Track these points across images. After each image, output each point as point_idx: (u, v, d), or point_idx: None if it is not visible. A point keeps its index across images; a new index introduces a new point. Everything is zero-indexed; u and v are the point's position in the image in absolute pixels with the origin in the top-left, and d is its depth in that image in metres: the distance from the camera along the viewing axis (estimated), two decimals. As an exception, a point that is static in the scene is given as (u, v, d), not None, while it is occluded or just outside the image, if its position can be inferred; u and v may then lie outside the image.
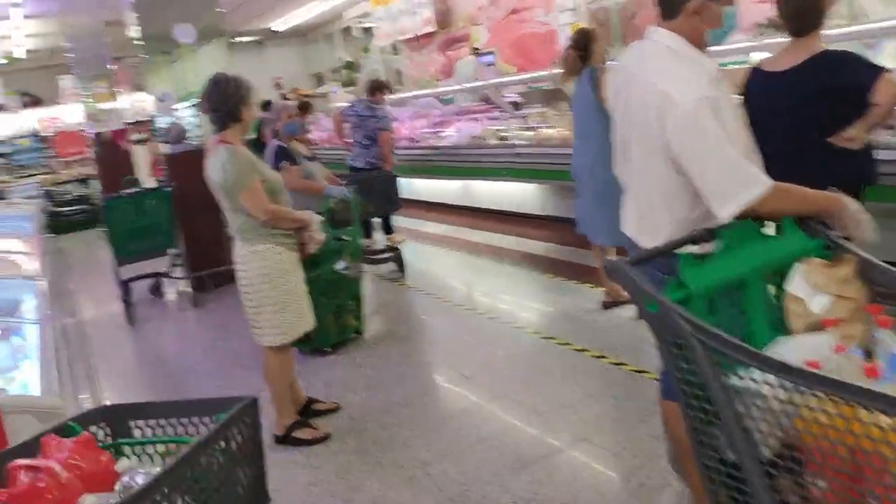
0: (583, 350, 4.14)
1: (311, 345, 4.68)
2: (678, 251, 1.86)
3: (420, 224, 8.39)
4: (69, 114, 15.86)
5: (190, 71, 15.31)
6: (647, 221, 2.21)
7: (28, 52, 13.02)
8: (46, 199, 14.33)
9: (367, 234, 7.65)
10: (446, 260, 6.84)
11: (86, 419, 2.00)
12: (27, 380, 2.93)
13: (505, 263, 6.22)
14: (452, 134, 8.19)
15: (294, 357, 3.82)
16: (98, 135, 12.38)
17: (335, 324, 4.80)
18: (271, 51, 17.32)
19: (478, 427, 3.46)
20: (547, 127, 6.91)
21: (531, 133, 6.95)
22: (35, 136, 16.24)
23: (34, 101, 16.43)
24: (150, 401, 2.38)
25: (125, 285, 6.97)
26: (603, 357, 4.00)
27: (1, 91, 13.37)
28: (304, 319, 3.51)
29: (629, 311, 4.56)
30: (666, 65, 2.07)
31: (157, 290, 7.43)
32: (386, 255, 6.56)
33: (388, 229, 7.59)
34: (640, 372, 3.75)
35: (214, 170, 3.34)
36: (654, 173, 2.11)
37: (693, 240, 1.89)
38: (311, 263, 4.14)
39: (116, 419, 2.03)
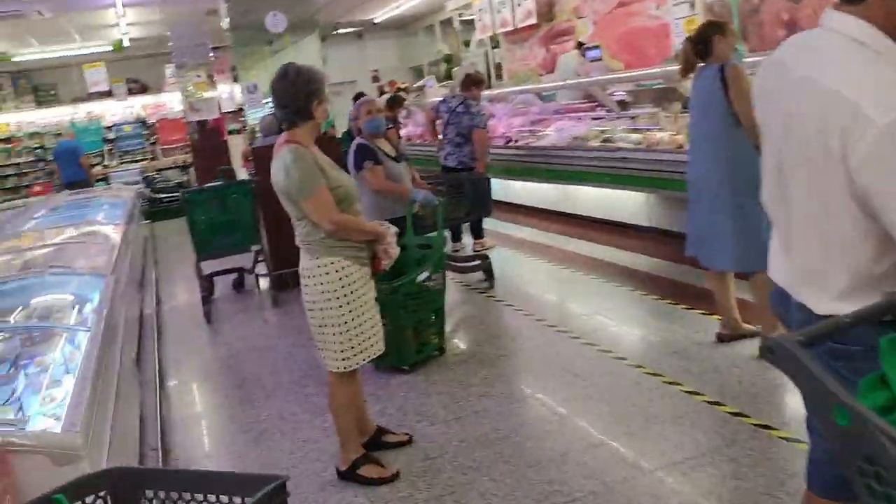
0: (694, 393, 3.57)
1: (388, 362, 4.29)
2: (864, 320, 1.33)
3: (512, 229, 7.89)
4: (173, 101, 16.12)
5: (288, 58, 15.25)
6: (813, 273, 1.66)
7: (132, 40, 13.20)
8: (146, 186, 14.61)
9: (455, 238, 7.25)
10: (540, 271, 6.32)
11: (85, 486, 1.63)
12: (65, 400, 2.63)
13: (605, 279, 5.66)
14: (552, 133, 7.66)
15: (362, 382, 3.43)
16: (198, 123, 12.43)
17: (414, 340, 4.39)
18: (370, 42, 17.17)
19: (568, 482, 2.96)
20: (657, 129, 6.30)
21: (639, 136, 6.35)
22: (140, 122, 16.61)
23: (141, 88, 16.80)
24: (165, 468, 2.01)
25: (208, 280, 6.81)
26: (719, 404, 3.42)
27: (106, 77, 13.60)
28: (371, 343, 3.10)
29: (750, 346, 3.96)
30: (853, 65, 1.51)
31: (239, 286, 7.24)
32: (474, 264, 6.11)
33: (477, 233, 7.15)
34: (764, 427, 3.16)
35: (278, 173, 2.97)
36: (826, 211, 1.56)
37: (892, 307, 1.35)
38: (390, 274, 3.75)
39: (123, 486, 1.65)
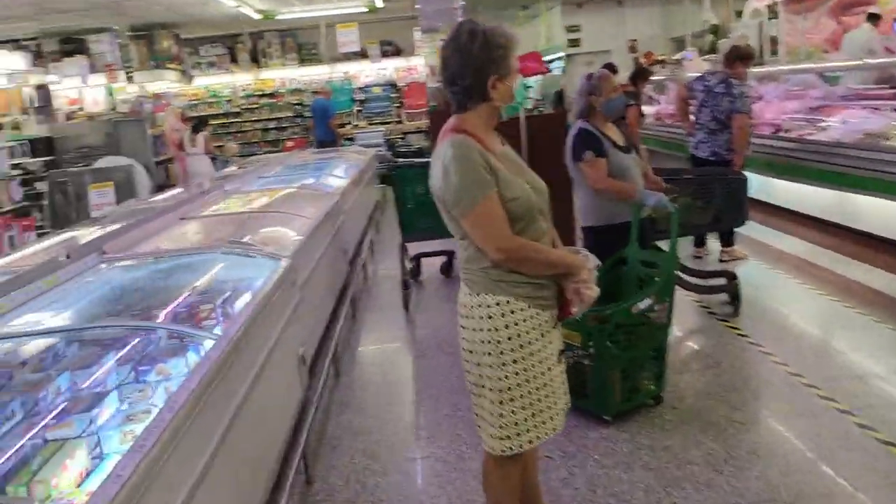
0: None
1: (587, 405, 3.43)
2: None
3: (772, 237, 6.51)
4: (422, 66, 16.04)
5: (543, 26, 14.52)
6: None
7: (386, 1, 13.17)
8: (387, 149, 14.66)
9: (698, 242, 6.11)
10: (802, 299, 5.01)
11: None
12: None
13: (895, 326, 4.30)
14: (836, 125, 6.17)
15: (535, 458, 2.58)
16: (439, 89, 12.11)
17: (622, 385, 3.46)
18: (630, 10, 16.00)
19: None
20: None
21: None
22: (390, 85, 16.76)
23: (395, 51, 16.91)
24: None
25: (414, 262, 6.34)
26: None
27: (357, 38, 13.65)
28: (542, 420, 2.21)
29: None
30: None
31: (448, 270, 6.66)
32: (716, 284, 4.94)
33: (727, 239, 5.95)
34: None
35: (434, 171, 2.18)
36: None
37: None
38: (601, 296, 2.84)
39: None
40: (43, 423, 2.21)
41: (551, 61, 14.26)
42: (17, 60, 9.15)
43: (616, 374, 3.42)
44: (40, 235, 7.47)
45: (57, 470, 2.00)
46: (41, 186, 9.19)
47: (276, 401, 3.26)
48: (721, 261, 5.88)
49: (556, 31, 11.26)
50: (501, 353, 2.13)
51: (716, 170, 5.36)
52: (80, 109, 12.94)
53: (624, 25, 16.11)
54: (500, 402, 2.16)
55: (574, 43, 15.83)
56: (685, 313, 4.71)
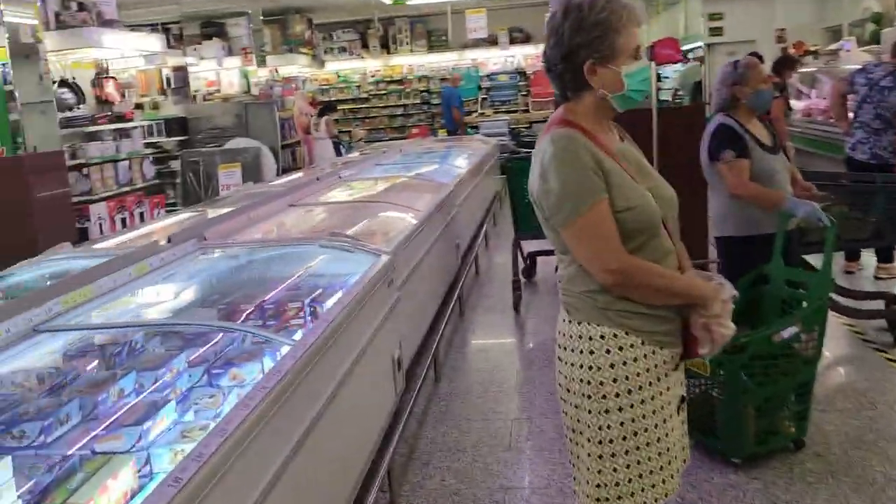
0: None
1: (713, 444, 2.99)
2: None
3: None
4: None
5: (682, 13, 13.66)
6: None
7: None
8: (511, 139, 14.29)
9: (851, 255, 5.42)
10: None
11: None
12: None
13: None
14: None
15: None
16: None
17: (756, 424, 2.97)
18: (781, -2, 14.81)
19: None
20: None
21: None
22: (518, 73, 16.38)
23: (525, 38, 16.51)
24: None
25: (528, 261, 6.01)
26: None
27: (485, 24, 13.26)
28: (651, 483, 1.78)
29: None
30: None
31: (565, 270, 6.26)
32: (873, 309, 4.28)
33: (885, 254, 5.23)
34: None
35: (533, 171, 1.81)
36: None
37: None
38: (736, 321, 2.37)
39: None
40: (94, 432, 2.03)
41: (690, 51, 13.45)
42: (153, 42, 9.40)
43: (750, 410, 2.93)
44: (170, 212, 7.63)
45: (95, 491, 1.78)
46: (175, 165, 9.48)
47: (362, 410, 2.99)
48: (877, 278, 5.18)
49: (696, 18, 10.52)
50: (604, 397, 1.73)
51: (881, 176, 4.67)
52: (217, 91, 13.32)
53: (771, 13, 14.98)
54: (600, 457, 1.76)
55: (715, 32, 14.88)
56: (834, 339, 4.11)
